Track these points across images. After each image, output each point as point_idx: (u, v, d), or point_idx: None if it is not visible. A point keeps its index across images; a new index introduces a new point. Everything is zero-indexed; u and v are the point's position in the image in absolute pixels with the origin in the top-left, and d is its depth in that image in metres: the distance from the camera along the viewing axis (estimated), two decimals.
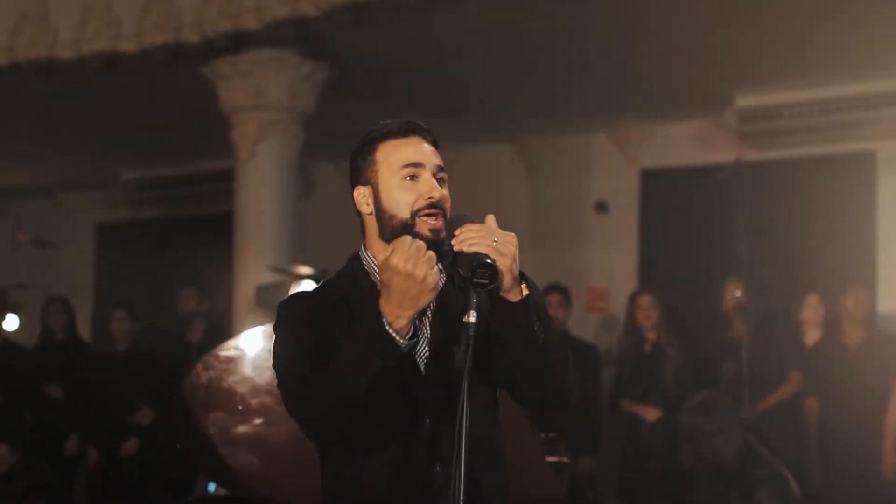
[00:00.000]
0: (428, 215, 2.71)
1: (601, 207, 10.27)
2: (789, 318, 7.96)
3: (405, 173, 2.74)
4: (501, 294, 2.61)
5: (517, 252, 2.59)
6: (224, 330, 8.68)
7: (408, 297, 2.52)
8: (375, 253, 2.78)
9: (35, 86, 8.91)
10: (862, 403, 7.01)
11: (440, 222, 2.71)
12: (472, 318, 2.52)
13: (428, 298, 2.54)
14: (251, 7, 7.70)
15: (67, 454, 8.47)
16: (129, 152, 11.56)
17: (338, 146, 10.80)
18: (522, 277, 2.63)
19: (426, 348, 2.72)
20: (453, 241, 2.62)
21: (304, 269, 7.83)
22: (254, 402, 4.48)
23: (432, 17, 7.65)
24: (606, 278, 10.19)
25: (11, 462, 6.97)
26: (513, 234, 2.61)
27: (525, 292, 2.62)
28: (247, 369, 4.58)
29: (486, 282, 2.55)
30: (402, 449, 2.66)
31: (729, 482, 5.33)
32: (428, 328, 2.74)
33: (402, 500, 2.66)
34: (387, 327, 2.53)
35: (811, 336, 7.83)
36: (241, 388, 4.50)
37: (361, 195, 2.81)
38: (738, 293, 7.89)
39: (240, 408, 4.44)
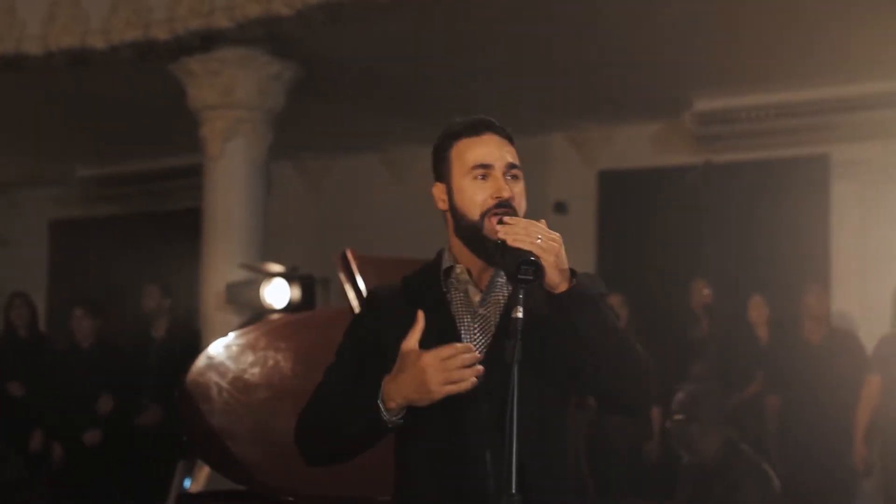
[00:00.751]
0: (496, 214, 2.75)
1: (559, 208, 10.40)
2: (744, 318, 8.14)
3: (475, 174, 2.80)
4: (548, 289, 2.69)
5: (561, 250, 2.66)
6: (187, 326, 8.75)
7: (409, 391, 2.64)
8: (454, 248, 2.87)
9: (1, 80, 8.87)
10: (826, 398, 7.20)
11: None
12: (518, 313, 2.58)
13: (424, 403, 2.65)
14: (223, 5, 7.73)
15: (31, 450, 8.46)
16: (86, 149, 11.50)
17: (297, 145, 10.91)
18: (574, 275, 2.71)
19: (489, 335, 2.79)
20: (498, 227, 2.68)
21: (275, 267, 7.90)
22: (254, 396, 4.53)
23: (397, 19, 7.72)
24: None
25: None
26: (557, 234, 2.67)
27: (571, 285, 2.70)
28: (244, 365, 4.63)
29: (530, 278, 2.62)
30: (455, 435, 2.75)
31: (712, 478, 5.44)
32: (497, 314, 2.81)
33: (454, 486, 2.74)
34: (379, 401, 2.67)
35: (761, 335, 8.02)
36: (241, 384, 4.56)
37: (439, 191, 2.89)
38: (706, 291, 8.04)
39: (241, 401, 4.49)
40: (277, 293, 7.78)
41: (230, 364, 4.58)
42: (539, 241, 2.62)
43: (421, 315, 2.69)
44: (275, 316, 7.76)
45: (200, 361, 4.58)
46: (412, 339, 2.66)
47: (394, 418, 2.69)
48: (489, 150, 2.82)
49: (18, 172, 12.44)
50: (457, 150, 2.85)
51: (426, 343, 2.71)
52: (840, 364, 7.27)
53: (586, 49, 8.37)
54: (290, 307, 7.72)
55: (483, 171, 2.79)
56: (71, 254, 12.65)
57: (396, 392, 2.66)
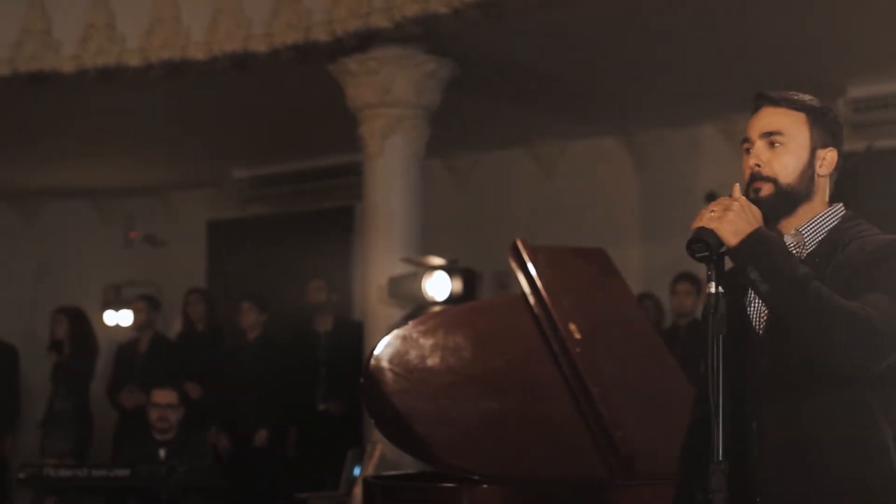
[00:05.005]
0: (752, 188, 2.96)
1: (711, 199, 10.33)
2: None
3: (744, 149, 3.04)
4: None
5: (729, 212, 2.79)
6: (352, 319, 8.99)
7: None
8: None
9: (163, 87, 9.16)
10: None
11: (762, 187, 2.96)
12: (710, 288, 2.79)
13: None
14: (381, 6, 7.91)
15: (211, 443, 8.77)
16: (241, 151, 11.82)
17: (446, 142, 11.07)
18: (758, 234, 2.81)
19: (765, 310, 2.96)
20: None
21: (436, 261, 8.07)
22: (435, 381, 4.68)
23: (550, 14, 7.80)
24: None
25: (179, 416, 7.28)
26: (729, 199, 2.84)
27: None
28: (424, 352, 4.79)
29: (705, 253, 2.80)
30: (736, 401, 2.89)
31: None
32: None
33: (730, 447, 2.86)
34: None
35: None
36: (422, 370, 4.71)
37: None
38: None
39: (423, 386, 4.65)
40: (439, 286, 7.94)
41: (411, 351, 4.75)
42: (711, 214, 2.80)
43: None
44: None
45: (381, 349, 4.75)
46: None
47: None
48: (755, 122, 3.02)
49: (177, 175, 12.81)
50: None
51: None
52: None
53: (737, 37, 8.35)
54: (452, 299, 7.88)
55: (747, 145, 3.02)
56: (227, 253, 12.98)
57: None
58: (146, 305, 9.67)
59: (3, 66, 8.80)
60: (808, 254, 2.97)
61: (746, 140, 3.01)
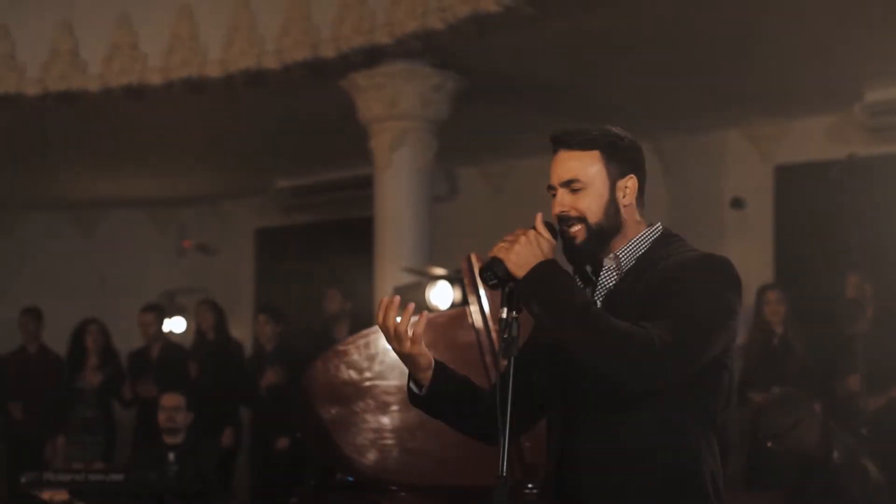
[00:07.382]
0: (564, 228, 3.06)
1: (736, 204, 10.37)
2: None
3: (550, 195, 3.12)
4: None
5: (515, 245, 2.94)
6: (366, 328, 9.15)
7: None
8: None
9: (187, 103, 9.45)
10: None
11: (574, 229, 3.06)
12: (503, 313, 2.94)
13: None
14: (383, 23, 8.11)
15: (223, 445, 9.01)
16: (281, 161, 12.10)
17: (479, 149, 11.24)
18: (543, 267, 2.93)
19: None
20: None
21: (438, 270, 8.21)
22: (367, 392, 4.85)
23: (552, 25, 7.91)
24: (743, 273, 10.19)
25: (187, 420, 7.54)
26: (518, 234, 2.97)
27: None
28: (362, 362, 4.96)
29: (494, 281, 2.96)
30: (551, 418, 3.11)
31: (811, 468, 5.50)
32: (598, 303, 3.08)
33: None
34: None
35: None
36: (355, 380, 4.88)
37: None
38: (866, 286, 7.97)
39: (354, 397, 4.82)
40: (442, 295, 8.08)
41: (345, 364, 4.91)
42: (502, 244, 2.96)
43: None
44: None
45: (320, 361, 4.94)
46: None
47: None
48: (555, 169, 3.11)
49: (226, 185, 13.16)
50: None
51: None
52: None
53: (757, 43, 8.37)
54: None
55: (552, 191, 3.10)
56: (274, 260, 13.30)
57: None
58: (155, 317, 9.98)
59: (34, 86, 9.18)
60: (624, 273, 3.07)
61: (551, 187, 3.09)
